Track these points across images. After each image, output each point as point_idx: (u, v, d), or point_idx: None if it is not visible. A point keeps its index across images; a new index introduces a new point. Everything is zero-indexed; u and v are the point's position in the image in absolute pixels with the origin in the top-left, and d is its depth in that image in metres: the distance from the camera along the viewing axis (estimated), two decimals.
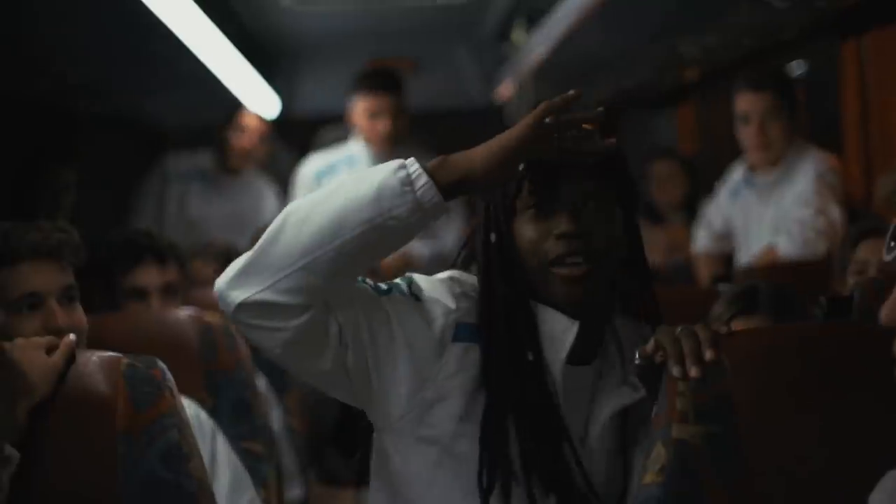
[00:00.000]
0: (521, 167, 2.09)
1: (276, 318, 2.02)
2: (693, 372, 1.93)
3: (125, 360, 2.22)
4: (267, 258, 2.02)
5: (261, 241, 2.04)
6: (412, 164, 2.00)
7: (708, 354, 1.94)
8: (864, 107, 4.69)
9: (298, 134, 7.35)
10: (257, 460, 3.15)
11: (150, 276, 3.57)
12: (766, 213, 4.77)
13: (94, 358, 2.23)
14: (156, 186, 6.89)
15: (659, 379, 1.98)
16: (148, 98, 6.25)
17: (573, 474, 2.12)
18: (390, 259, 2.10)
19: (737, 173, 4.99)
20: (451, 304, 2.15)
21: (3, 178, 5.15)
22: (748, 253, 4.84)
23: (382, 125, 5.52)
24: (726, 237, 5.09)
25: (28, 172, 5.39)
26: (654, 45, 5.23)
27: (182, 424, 2.22)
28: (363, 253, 2.02)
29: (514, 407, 2.12)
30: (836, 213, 4.47)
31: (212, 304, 3.64)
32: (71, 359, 2.21)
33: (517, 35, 5.95)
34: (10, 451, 2.06)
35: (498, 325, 2.14)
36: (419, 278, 2.20)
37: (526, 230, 2.14)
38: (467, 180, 2.02)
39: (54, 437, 2.13)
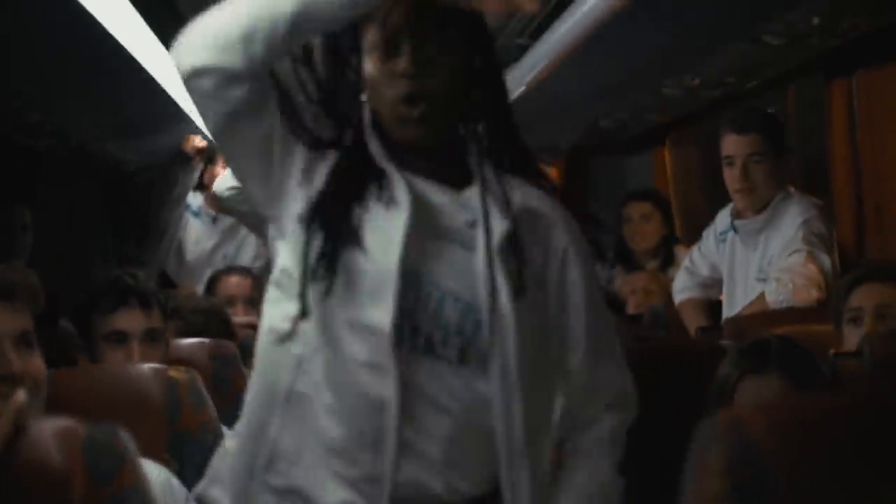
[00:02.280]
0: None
1: (224, 87, 2.12)
2: None
3: (84, 430, 2.01)
4: (214, 28, 2.14)
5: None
6: None
7: None
8: (854, 148, 4.56)
9: None
10: None
11: (132, 321, 3.37)
12: (752, 260, 4.61)
13: (49, 426, 2.01)
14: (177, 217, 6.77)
15: None
16: (110, 136, 6.06)
17: None
18: None
19: (722, 218, 4.82)
20: None
21: None
22: (733, 301, 4.67)
23: None
24: (712, 285, 4.92)
25: None
26: (635, 87, 5.08)
27: (146, 499, 2.01)
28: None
29: None
30: (825, 260, 4.32)
31: (185, 359, 3.49)
32: (21, 427, 1.99)
33: None
34: None
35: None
36: None
37: (371, 68, 2.21)
38: None
39: None
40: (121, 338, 3.36)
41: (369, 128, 2.25)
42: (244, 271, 5.78)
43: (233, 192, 5.92)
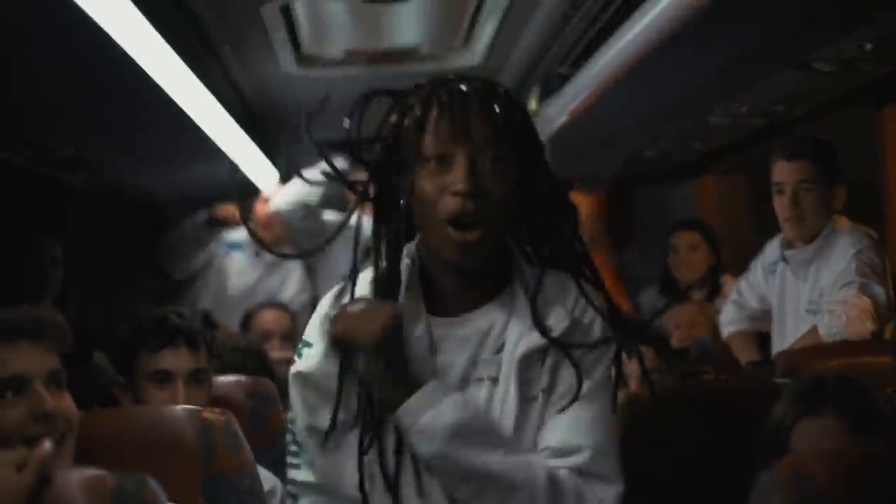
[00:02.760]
0: (423, 115, 2.19)
1: None
2: None
3: (112, 480, 1.93)
4: None
5: None
6: None
7: None
8: None
9: None
10: None
11: (178, 361, 3.30)
12: (803, 292, 4.48)
13: (76, 477, 1.93)
14: (210, 253, 6.76)
15: None
16: (143, 170, 6.00)
17: None
18: None
19: (772, 248, 4.70)
20: None
21: None
22: (784, 333, 4.54)
23: None
24: (761, 317, 4.80)
25: (13, 245, 5.13)
26: (681, 114, 4.97)
27: None
28: None
29: None
30: (879, 291, 4.19)
31: (222, 397, 3.41)
32: (46, 477, 1.90)
33: (531, 103, 5.71)
34: None
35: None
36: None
37: (423, 183, 2.19)
38: None
39: None
40: (165, 378, 3.30)
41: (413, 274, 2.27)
42: (280, 306, 5.74)
43: (292, 206, 5.89)
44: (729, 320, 4.96)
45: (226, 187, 6.62)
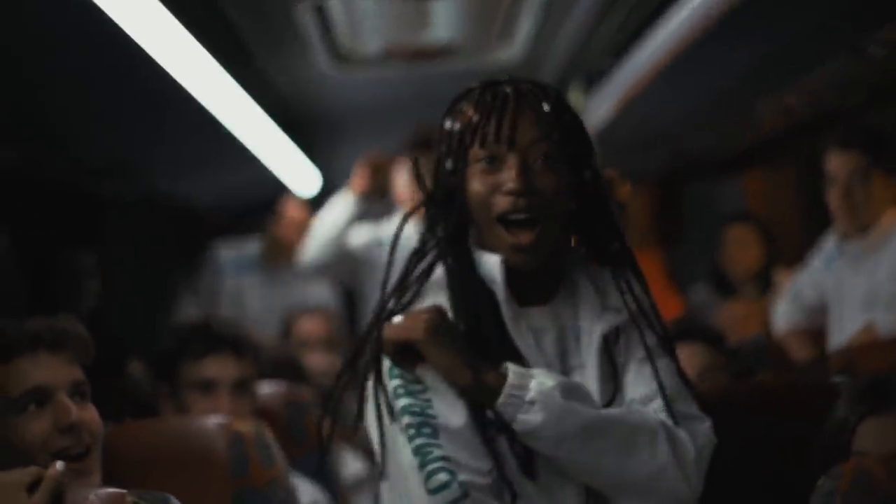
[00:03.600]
0: (473, 117, 2.23)
1: None
2: None
3: (131, 499, 1.85)
4: None
5: None
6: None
7: None
8: None
9: None
10: None
11: (223, 368, 3.22)
12: (858, 285, 4.36)
13: (94, 497, 1.86)
14: (208, 280, 6.69)
15: None
16: (181, 177, 5.96)
17: None
18: None
19: (829, 241, 4.58)
20: None
21: (22, 264, 4.84)
22: (840, 329, 4.42)
23: None
24: (819, 311, 4.66)
25: (47, 258, 5.10)
26: (728, 106, 4.86)
27: None
28: None
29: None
30: None
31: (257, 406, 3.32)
32: (60, 497, 1.82)
33: (574, 97, 5.61)
34: None
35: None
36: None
37: (475, 183, 2.23)
38: None
39: None
40: (209, 386, 3.22)
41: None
42: (320, 312, 5.65)
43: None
44: (784, 315, 4.84)
45: (262, 193, 6.57)
